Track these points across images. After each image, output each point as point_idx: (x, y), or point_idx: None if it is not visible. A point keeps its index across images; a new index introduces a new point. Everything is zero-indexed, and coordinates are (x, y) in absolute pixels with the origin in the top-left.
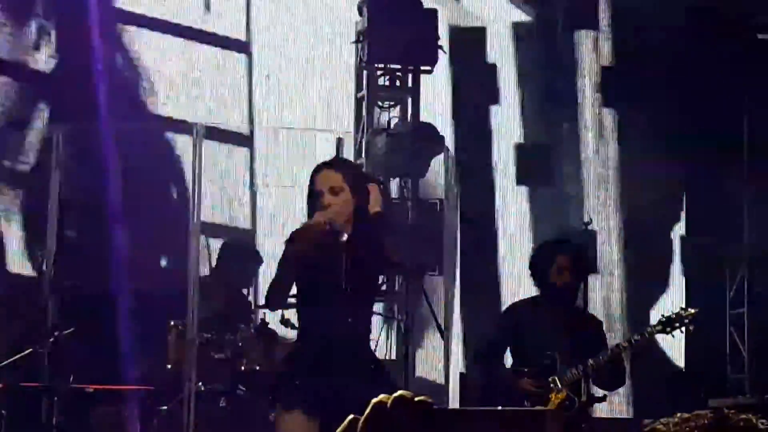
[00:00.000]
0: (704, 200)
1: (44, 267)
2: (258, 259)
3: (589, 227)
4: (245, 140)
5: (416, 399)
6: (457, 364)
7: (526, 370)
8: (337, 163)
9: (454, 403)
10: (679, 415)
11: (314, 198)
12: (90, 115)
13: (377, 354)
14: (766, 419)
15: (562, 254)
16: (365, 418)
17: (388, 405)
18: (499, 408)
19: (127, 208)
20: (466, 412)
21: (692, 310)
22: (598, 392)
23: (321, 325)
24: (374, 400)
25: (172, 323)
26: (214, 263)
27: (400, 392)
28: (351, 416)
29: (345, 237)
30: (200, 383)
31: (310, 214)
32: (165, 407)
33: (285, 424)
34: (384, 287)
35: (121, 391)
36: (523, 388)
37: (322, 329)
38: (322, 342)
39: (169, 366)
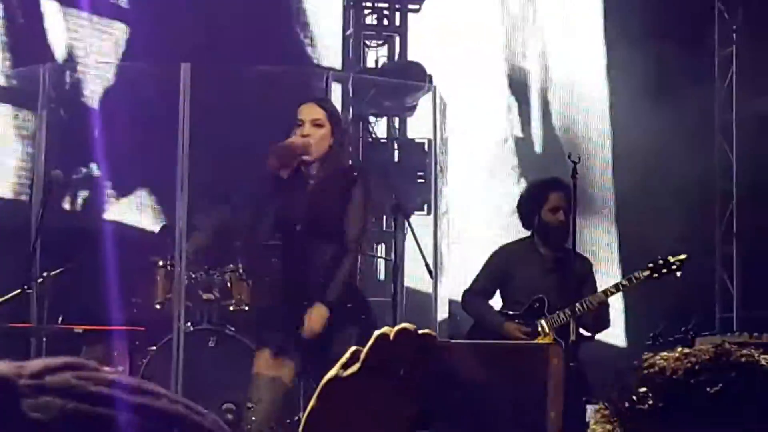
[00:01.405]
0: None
1: (32, 207)
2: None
3: (577, 165)
4: None
5: (420, 332)
6: (445, 305)
7: (512, 313)
8: (324, 100)
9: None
10: (680, 349)
11: (295, 127)
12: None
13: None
14: (767, 354)
15: (555, 192)
16: (368, 350)
17: (391, 337)
18: (504, 342)
19: (113, 146)
20: (469, 345)
21: (681, 256)
22: (586, 333)
23: (295, 270)
24: (377, 332)
25: (160, 263)
26: None
27: (403, 324)
28: (353, 347)
29: (312, 173)
30: (189, 323)
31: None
32: (154, 347)
33: (258, 362)
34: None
35: (110, 331)
36: (510, 332)
37: (297, 273)
38: (287, 283)
39: (157, 306)
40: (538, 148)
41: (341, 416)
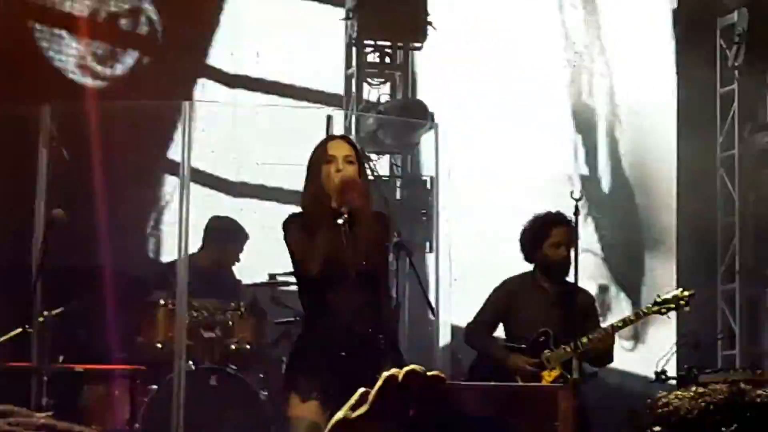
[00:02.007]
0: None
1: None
2: (244, 236)
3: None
4: None
5: (429, 373)
6: (446, 342)
7: (521, 346)
8: (348, 138)
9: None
10: (694, 389)
11: (324, 163)
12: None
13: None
14: None
15: (558, 227)
16: (376, 391)
17: (400, 378)
18: (513, 384)
19: (114, 187)
20: (478, 387)
21: (687, 292)
22: (590, 369)
23: (332, 313)
24: (386, 373)
25: (161, 301)
26: (200, 241)
27: (412, 366)
28: (362, 389)
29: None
30: (190, 362)
31: (313, 183)
32: (155, 386)
33: (300, 412)
34: None
35: (110, 370)
36: (516, 365)
37: (334, 316)
38: (333, 330)
39: (159, 345)
40: (605, 186)
41: None
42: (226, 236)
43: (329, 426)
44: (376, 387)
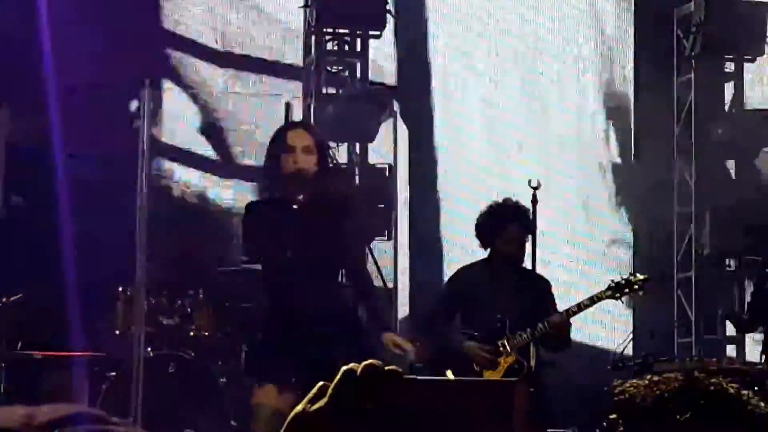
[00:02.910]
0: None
1: None
2: (214, 223)
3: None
4: None
5: (386, 368)
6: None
7: (475, 334)
8: (309, 125)
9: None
10: (649, 377)
11: (283, 152)
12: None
13: None
14: (735, 382)
15: (512, 224)
16: (335, 385)
17: (358, 373)
18: (470, 378)
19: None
20: (435, 381)
21: (641, 276)
22: (549, 356)
23: (292, 297)
24: (344, 367)
25: (120, 289)
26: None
27: (370, 360)
28: (320, 383)
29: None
30: (149, 348)
31: (270, 170)
32: (113, 373)
33: (262, 399)
34: None
35: (69, 357)
36: (472, 352)
37: (294, 301)
38: (293, 314)
39: (117, 332)
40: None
41: None
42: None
43: (288, 420)
44: (335, 381)
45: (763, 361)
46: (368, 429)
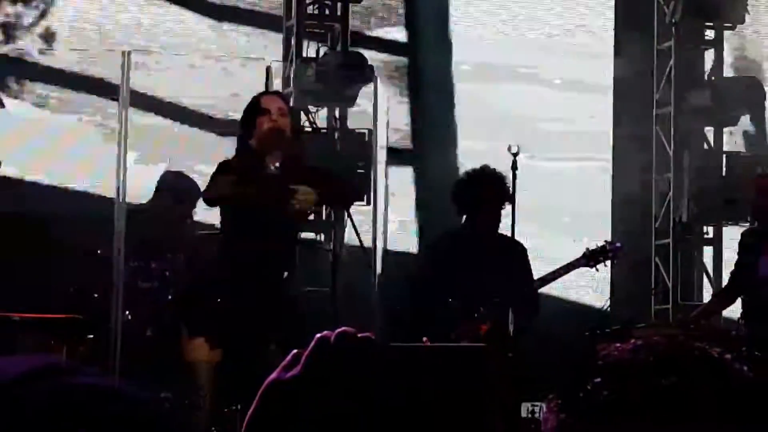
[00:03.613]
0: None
1: None
2: (196, 192)
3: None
4: None
5: (359, 335)
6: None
7: (451, 301)
8: (281, 93)
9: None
10: (633, 340)
11: (258, 114)
12: None
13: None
14: (719, 347)
15: (486, 191)
16: (309, 353)
17: (332, 340)
18: (441, 345)
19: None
20: (407, 347)
21: (617, 244)
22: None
23: (239, 257)
24: (318, 335)
25: (98, 251)
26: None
27: (343, 328)
28: (294, 351)
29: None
30: (127, 312)
31: (246, 133)
32: (92, 336)
33: (189, 349)
34: (311, 217)
35: (47, 319)
36: (455, 324)
37: (240, 261)
38: (237, 273)
39: (95, 294)
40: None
41: (282, 419)
42: (176, 194)
43: (262, 388)
44: (309, 348)
45: (742, 324)
46: (342, 396)
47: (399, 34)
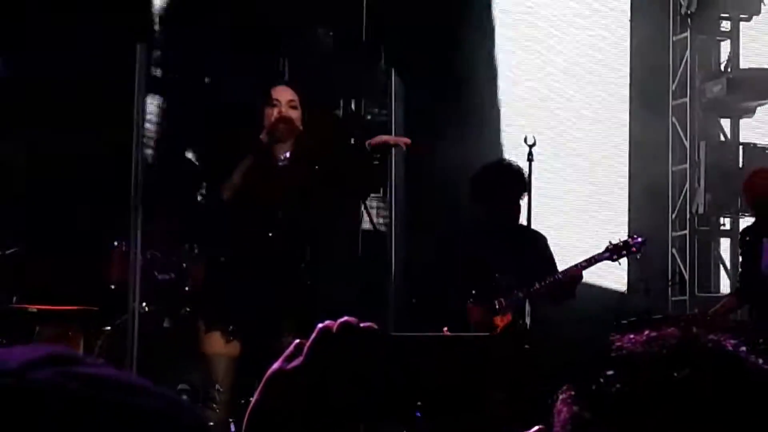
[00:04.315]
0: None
1: None
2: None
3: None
4: None
5: (361, 325)
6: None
7: (473, 292)
8: (292, 84)
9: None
10: (646, 332)
11: (269, 106)
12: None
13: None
14: (733, 339)
15: (503, 182)
16: (311, 343)
17: (334, 330)
18: (445, 334)
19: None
20: (412, 338)
21: (640, 239)
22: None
23: (254, 249)
24: (320, 325)
25: (115, 243)
26: None
27: (345, 318)
28: (297, 340)
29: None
30: (144, 304)
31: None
32: (109, 327)
33: (206, 343)
34: None
35: (64, 311)
36: (469, 311)
37: (255, 253)
38: (252, 266)
39: (112, 286)
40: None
41: (286, 408)
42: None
43: (265, 378)
44: (311, 338)
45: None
46: (345, 385)
47: None
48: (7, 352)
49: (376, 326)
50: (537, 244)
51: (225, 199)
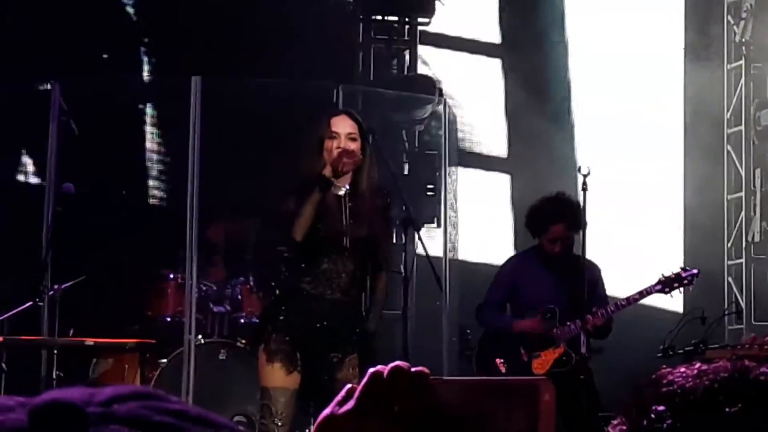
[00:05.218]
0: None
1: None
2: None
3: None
4: None
5: (413, 369)
6: (455, 318)
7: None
8: (352, 113)
9: (448, 358)
10: (698, 365)
11: (327, 138)
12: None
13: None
14: None
15: (556, 225)
16: (362, 387)
17: (385, 375)
18: (496, 378)
19: (126, 158)
20: (462, 381)
21: (693, 271)
22: (596, 344)
23: (317, 281)
24: (371, 370)
25: (171, 276)
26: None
27: (396, 362)
28: (349, 385)
29: (344, 190)
30: (200, 336)
31: (314, 155)
32: (165, 360)
33: (267, 375)
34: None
35: (120, 344)
36: (524, 328)
37: (319, 285)
38: (314, 296)
39: (168, 318)
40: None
41: None
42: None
43: (317, 422)
44: (362, 383)
45: None
46: (397, 430)
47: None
48: (96, 390)
49: (427, 371)
50: (590, 275)
51: (299, 240)
